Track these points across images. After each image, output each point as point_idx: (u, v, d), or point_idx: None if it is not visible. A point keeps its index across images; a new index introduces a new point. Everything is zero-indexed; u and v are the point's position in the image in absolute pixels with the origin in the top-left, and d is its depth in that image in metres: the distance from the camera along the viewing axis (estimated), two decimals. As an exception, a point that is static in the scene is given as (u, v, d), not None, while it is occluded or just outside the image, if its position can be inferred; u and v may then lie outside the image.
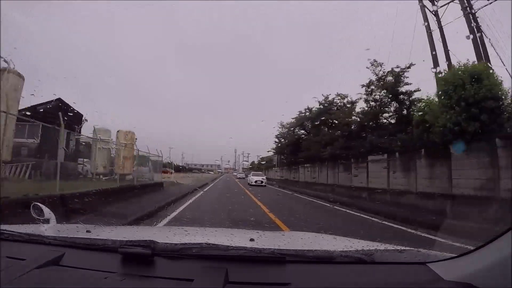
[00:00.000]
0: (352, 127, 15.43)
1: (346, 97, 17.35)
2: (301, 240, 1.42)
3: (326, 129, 18.44)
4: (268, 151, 39.16)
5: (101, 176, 13.84)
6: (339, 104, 17.89)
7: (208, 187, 18.15)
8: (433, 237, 5.11)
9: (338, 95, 17.81)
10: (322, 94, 18.80)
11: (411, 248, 1.10)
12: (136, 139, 15.61)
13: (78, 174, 13.31)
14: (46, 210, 1.43)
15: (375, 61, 13.36)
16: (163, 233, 1.58)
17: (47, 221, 1.41)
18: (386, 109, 13.57)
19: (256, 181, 22.92)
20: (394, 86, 12.64)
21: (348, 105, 16.95)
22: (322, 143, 16.68)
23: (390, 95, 12.86)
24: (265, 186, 22.38)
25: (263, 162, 40.38)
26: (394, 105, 13.18)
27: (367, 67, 13.50)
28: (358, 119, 15.03)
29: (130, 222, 5.03)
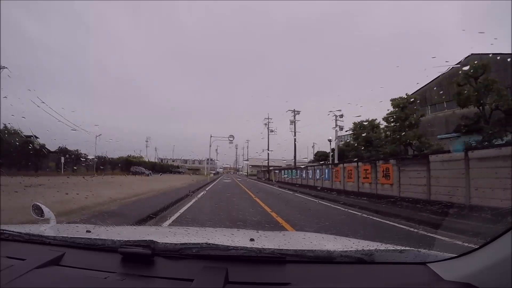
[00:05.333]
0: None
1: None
2: (301, 240, 1.42)
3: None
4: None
5: None
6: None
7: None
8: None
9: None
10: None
11: (411, 248, 1.10)
12: None
13: None
14: (46, 210, 1.43)
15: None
16: (163, 233, 1.58)
17: (47, 221, 1.41)
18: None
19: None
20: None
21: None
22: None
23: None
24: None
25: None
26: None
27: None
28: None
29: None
